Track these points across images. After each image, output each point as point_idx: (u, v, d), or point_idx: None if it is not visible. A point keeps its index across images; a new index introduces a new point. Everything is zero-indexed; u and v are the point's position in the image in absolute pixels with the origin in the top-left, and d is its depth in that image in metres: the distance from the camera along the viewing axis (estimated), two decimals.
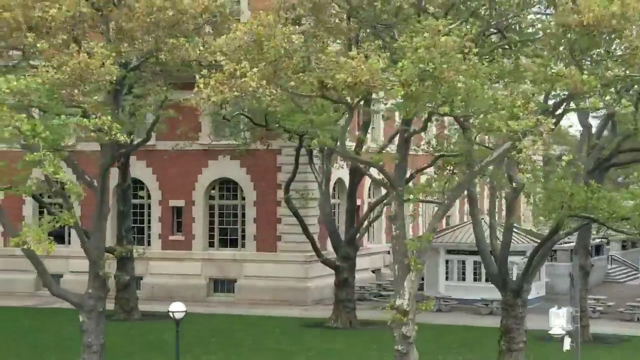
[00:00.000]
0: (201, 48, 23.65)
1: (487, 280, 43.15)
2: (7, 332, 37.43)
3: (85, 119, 23.10)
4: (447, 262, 45.11)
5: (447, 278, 45.02)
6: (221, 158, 46.01)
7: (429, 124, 25.73)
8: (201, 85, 21.95)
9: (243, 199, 46.30)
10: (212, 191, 46.88)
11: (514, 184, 28.91)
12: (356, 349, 34.11)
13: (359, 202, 46.06)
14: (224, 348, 33.75)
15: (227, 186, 46.72)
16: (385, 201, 41.26)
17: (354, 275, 39.84)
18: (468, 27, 22.92)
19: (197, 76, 22.06)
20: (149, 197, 47.48)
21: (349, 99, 24.35)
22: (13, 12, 23.13)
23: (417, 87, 22.17)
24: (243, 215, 46.28)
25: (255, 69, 21.80)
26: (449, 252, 45.07)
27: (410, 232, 55.08)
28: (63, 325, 38.97)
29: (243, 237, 46.27)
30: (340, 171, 44.52)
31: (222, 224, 46.81)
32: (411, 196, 25.76)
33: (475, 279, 44.22)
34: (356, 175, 39.42)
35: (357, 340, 35.93)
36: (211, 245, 46.67)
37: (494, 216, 31.28)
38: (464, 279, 44.60)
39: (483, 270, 43.41)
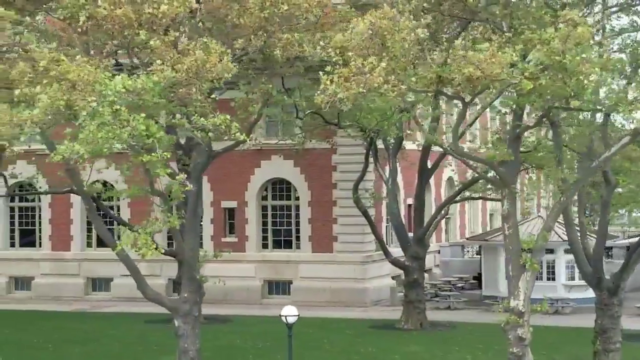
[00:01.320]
0: (321, 44, 22.95)
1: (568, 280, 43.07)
2: (72, 337, 36.62)
3: (202, 119, 22.37)
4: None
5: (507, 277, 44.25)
6: (274, 158, 45.31)
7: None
8: (327, 82, 21.28)
9: (297, 199, 45.60)
10: (265, 191, 46.15)
11: (609, 181, 28.29)
12: (436, 352, 33.44)
13: (411, 200, 45.43)
14: (306, 351, 33.02)
15: (280, 186, 46.01)
16: (446, 200, 40.84)
17: (424, 275, 39.21)
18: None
19: (320, 73, 21.42)
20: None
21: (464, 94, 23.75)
22: (124, 9, 22.36)
23: (547, 80, 21.60)
24: (297, 215, 45.58)
25: (383, 64, 21.15)
26: None
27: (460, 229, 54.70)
28: (126, 330, 38.25)
29: (297, 238, 45.56)
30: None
31: (275, 225, 46.10)
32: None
33: (536, 278, 43.45)
34: (424, 172, 38.81)
35: (434, 342, 35.26)
36: (265, 246, 45.97)
37: (583, 214, 30.70)
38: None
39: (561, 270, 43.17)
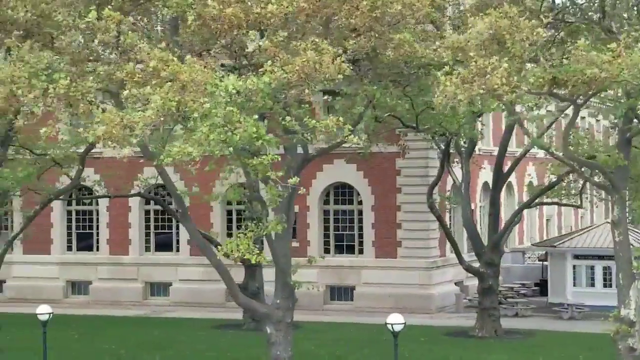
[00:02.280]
0: (437, 44, 22.36)
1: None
2: (144, 343, 36.05)
3: (312, 120, 21.80)
4: (574, 267, 43.72)
5: (574, 284, 43.64)
6: (337, 162, 44.62)
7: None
8: (447, 83, 20.69)
9: (360, 203, 44.97)
10: (327, 196, 45.55)
11: None
12: None
13: (473, 205, 44.80)
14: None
15: (342, 190, 45.39)
16: (522, 205, 40.18)
17: (498, 282, 38.52)
18: None
19: (438, 74, 20.84)
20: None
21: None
22: (234, 8, 21.79)
23: None
24: (360, 220, 44.94)
25: (505, 65, 20.55)
26: (577, 257, 43.69)
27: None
28: (195, 336, 37.69)
29: (360, 243, 44.93)
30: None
31: (337, 230, 45.49)
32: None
33: (605, 285, 42.80)
34: (499, 177, 38.16)
35: (515, 351, 34.53)
36: (326, 251, 45.30)
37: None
38: (592, 285, 43.21)
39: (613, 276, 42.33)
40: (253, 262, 23.59)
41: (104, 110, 22.52)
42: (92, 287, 47.63)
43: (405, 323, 24.68)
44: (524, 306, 42.94)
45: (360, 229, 44.90)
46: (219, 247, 25.53)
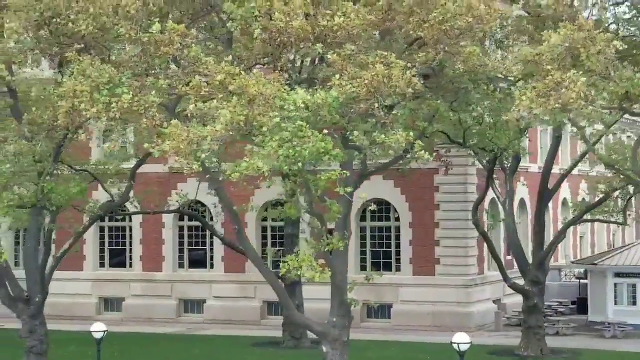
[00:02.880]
0: (509, 58, 21.98)
1: None
2: None
3: (382, 136, 21.38)
4: (615, 285, 43.14)
5: (615, 303, 43.04)
6: (374, 178, 44.00)
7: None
8: (523, 98, 20.28)
9: (397, 220, 44.50)
10: (364, 213, 45.06)
11: None
12: None
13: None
14: None
15: (379, 207, 44.86)
16: (568, 222, 39.68)
17: (543, 300, 37.97)
18: None
19: (513, 88, 20.44)
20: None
21: None
22: (301, 21, 21.42)
23: None
24: (397, 237, 44.46)
25: (583, 78, 20.14)
26: (618, 275, 43.11)
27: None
28: (237, 354, 37.23)
29: (398, 260, 44.43)
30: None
31: (374, 247, 45.01)
32: None
33: None
34: (544, 194, 37.66)
35: None
36: (363, 268, 44.77)
37: None
38: (634, 304, 42.62)
39: None
40: (317, 280, 23.15)
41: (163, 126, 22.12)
42: (125, 304, 47.17)
43: (471, 343, 24.15)
44: (565, 325, 42.36)
45: (398, 246, 44.41)
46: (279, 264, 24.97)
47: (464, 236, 42.74)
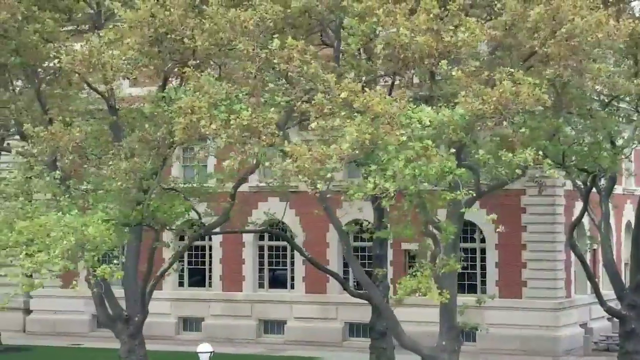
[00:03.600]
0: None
1: None
2: None
3: (509, 154, 20.76)
4: None
5: None
6: None
7: None
8: None
9: (482, 241, 43.69)
10: None
11: None
12: None
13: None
14: None
15: (464, 228, 43.96)
16: None
17: None
18: None
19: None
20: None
21: None
22: (426, 37, 20.89)
23: None
24: (482, 259, 43.65)
25: None
26: None
27: None
28: None
29: (483, 282, 43.58)
30: None
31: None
32: None
33: None
34: None
35: None
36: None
37: None
38: None
39: None
40: (436, 301, 22.53)
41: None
42: (204, 324, 46.79)
43: None
44: None
45: (483, 267, 43.60)
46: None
47: (552, 258, 41.89)
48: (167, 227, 27.86)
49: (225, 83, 22.04)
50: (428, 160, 19.84)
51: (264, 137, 21.38)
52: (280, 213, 40.53)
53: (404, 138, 19.71)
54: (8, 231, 23.77)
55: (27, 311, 49.62)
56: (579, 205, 44.15)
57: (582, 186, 36.66)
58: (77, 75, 26.50)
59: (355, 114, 20.29)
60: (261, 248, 46.71)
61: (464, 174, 20.59)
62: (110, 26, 25.19)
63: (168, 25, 22.92)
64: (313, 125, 20.70)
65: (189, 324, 47.46)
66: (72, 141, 23.67)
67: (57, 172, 23.46)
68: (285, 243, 45.73)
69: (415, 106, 20.51)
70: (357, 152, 20.01)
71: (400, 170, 19.71)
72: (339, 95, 20.46)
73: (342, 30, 24.86)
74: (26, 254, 22.25)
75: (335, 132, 20.67)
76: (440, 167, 19.88)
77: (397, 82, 23.02)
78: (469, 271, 44.02)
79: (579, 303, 43.96)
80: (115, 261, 25.13)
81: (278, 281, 46.61)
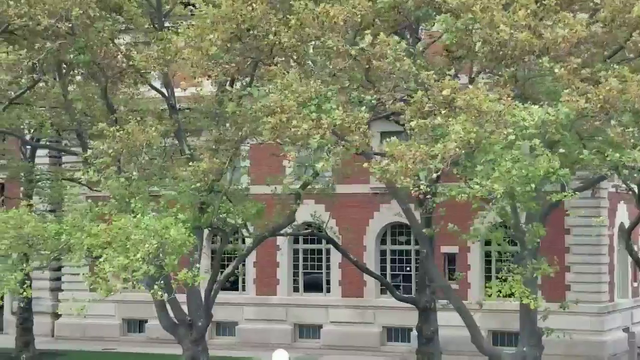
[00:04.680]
0: None
1: None
2: None
3: (616, 154, 20.08)
4: None
5: None
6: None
7: None
8: None
9: (516, 244, 42.92)
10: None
11: None
12: None
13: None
14: None
15: (506, 231, 43.34)
16: None
17: None
18: None
19: None
20: (416, 242, 44.31)
21: None
22: (526, 33, 20.19)
23: None
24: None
25: None
26: None
27: None
28: None
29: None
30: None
31: (500, 272, 43.34)
32: None
33: None
34: None
35: None
36: (488, 294, 43.21)
37: None
38: None
39: None
40: (532, 306, 21.84)
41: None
42: (238, 328, 45.97)
43: None
44: None
45: None
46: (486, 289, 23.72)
47: (596, 262, 41.26)
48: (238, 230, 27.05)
49: (313, 81, 21.30)
50: (535, 160, 19.16)
51: (356, 137, 20.64)
52: (315, 215, 39.96)
53: (512, 137, 19.04)
54: (81, 234, 22.92)
55: (56, 315, 48.71)
56: (621, 208, 43.72)
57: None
58: (139, 74, 25.80)
59: (457, 112, 19.58)
60: (296, 251, 45.94)
61: (567, 175, 19.92)
62: (184, 23, 24.37)
63: (250, 21, 22.15)
64: (412, 124, 19.97)
65: (222, 328, 46.63)
66: (148, 140, 22.90)
67: (135, 172, 22.68)
68: (320, 246, 45.16)
69: (520, 104, 19.82)
70: (463, 151, 19.31)
71: (507, 171, 19.02)
72: (441, 92, 19.77)
73: (418, 26, 24.13)
74: (106, 257, 21.39)
75: (432, 131, 19.95)
76: (547, 168, 19.19)
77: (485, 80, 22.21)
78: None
79: (621, 307, 43.40)
80: (197, 265, 24.29)
81: (313, 285, 45.83)
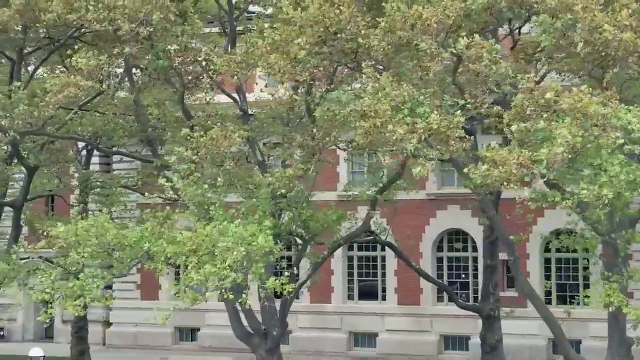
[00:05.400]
0: None
1: None
2: None
3: None
4: None
5: None
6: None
7: None
8: None
9: (586, 251, 42.15)
10: (548, 244, 42.83)
11: None
12: None
13: None
14: None
15: (567, 237, 42.59)
16: None
17: None
18: None
19: None
20: (473, 249, 43.75)
21: None
22: (629, 33, 19.58)
23: None
24: (585, 269, 42.16)
25: None
26: None
27: None
28: None
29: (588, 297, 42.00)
30: None
31: (559, 279, 42.78)
32: None
33: None
34: None
35: None
36: (548, 302, 42.49)
37: None
38: None
39: None
40: (632, 316, 21.19)
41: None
42: (292, 337, 45.39)
43: None
44: None
45: (586, 278, 42.09)
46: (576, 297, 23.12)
47: None
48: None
49: (406, 85, 20.76)
50: None
51: (452, 141, 20.09)
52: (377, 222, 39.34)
53: (621, 141, 18.44)
54: (163, 242, 22.45)
55: (107, 324, 48.37)
56: None
57: None
58: (210, 79, 25.38)
59: (560, 115, 19.00)
60: (350, 258, 45.41)
61: None
62: (269, 26, 23.89)
63: (337, 25, 21.65)
64: (513, 128, 19.40)
65: None
66: (231, 146, 22.44)
67: (220, 179, 22.19)
68: (375, 253, 44.70)
69: (626, 107, 19.23)
70: (569, 156, 18.72)
71: (615, 175, 18.43)
72: (543, 95, 19.19)
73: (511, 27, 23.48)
74: (193, 265, 20.89)
75: (533, 136, 19.37)
76: None
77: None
78: (570, 282, 42.66)
79: None
80: (286, 273, 23.76)
81: (368, 292, 45.25)
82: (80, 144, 38.69)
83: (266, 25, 25.89)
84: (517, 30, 25.99)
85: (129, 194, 40.44)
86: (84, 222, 22.77)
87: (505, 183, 18.87)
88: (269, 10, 29.82)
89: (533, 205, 20.97)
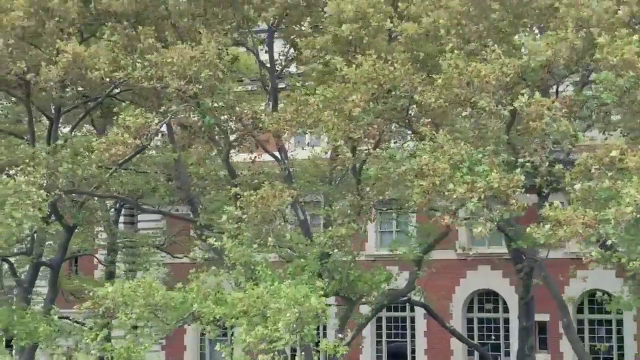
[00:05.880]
0: None
1: None
2: None
3: None
4: None
5: None
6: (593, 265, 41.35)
7: None
8: None
9: (619, 312, 41.48)
10: (582, 304, 42.25)
11: None
12: None
13: None
14: None
15: (596, 298, 42.02)
16: None
17: None
18: None
19: None
20: (504, 310, 43.08)
21: None
22: None
23: None
24: (619, 331, 41.51)
25: None
26: None
27: None
28: None
29: (620, 356, 41.38)
30: None
31: (593, 341, 42.02)
32: None
33: None
34: None
35: None
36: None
37: None
38: None
39: None
40: None
41: None
42: None
43: None
44: None
45: (620, 340, 41.44)
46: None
47: None
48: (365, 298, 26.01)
49: (463, 143, 20.42)
50: None
51: (513, 201, 19.67)
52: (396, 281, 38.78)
53: None
54: (210, 302, 21.95)
55: None
56: None
57: None
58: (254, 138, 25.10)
59: (625, 174, 18.59)
60: (379, 319, 44.66)
61: None
62: (319, 83, 23.62)
63: (392, 82, 21.37)
64: (576, 187, 19.00)
65: None
66: (282, 205, 22.05)
67: (271, 238, 21.75)
68: (404, 314, 44.05)
69: None
70: (638, 215, 18.28)
71: None
72: (608, 154, 18.82)
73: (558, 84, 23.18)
74: (244, 328, 20.37)
75: (596, 194, 18.94)
76: None
77: None
78: (605, 343, 41.91)
79: None
80: (339, 335, 23.22)
81: (397, 354, 44.51)
82: (109, 203, 38.29)
83: (298, 83, 25.67)
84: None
85: (156, 253, 40.04)
86: (131, 283, 22.34)
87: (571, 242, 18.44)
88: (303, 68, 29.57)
89: (592, 265, 20.45)
